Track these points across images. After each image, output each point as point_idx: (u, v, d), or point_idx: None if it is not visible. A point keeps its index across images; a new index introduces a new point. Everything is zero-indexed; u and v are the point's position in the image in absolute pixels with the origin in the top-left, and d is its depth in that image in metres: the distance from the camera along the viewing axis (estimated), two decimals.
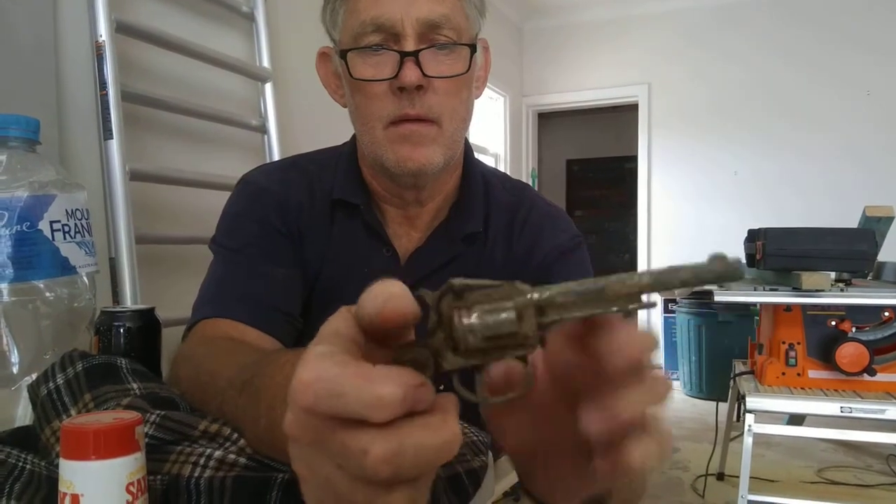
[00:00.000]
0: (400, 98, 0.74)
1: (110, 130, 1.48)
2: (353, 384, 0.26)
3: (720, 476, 2.48)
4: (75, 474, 0.42)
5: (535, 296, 0.30)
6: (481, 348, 0.30)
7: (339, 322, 0.31)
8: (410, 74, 0.72)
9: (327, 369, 0.27)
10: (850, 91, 4.08)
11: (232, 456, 0.50)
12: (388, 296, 0.29)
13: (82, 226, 0.83)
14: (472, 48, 0.77)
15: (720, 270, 0.29)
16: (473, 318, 0.29)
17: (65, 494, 0.42)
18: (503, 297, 0.30)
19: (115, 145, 1.48)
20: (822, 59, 4.13)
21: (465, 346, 0.30)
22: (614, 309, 0.29)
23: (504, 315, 0.29)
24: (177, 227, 1.78)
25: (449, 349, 0.30)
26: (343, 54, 0.76)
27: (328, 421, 0.27)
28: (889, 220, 2.05)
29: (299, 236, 0.84)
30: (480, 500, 0.55)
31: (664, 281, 0.29)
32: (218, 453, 0.50)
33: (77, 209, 0.83)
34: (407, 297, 0.29)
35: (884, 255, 2.05)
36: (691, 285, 0.29)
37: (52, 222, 0.79)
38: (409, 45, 0.73)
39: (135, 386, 0.59)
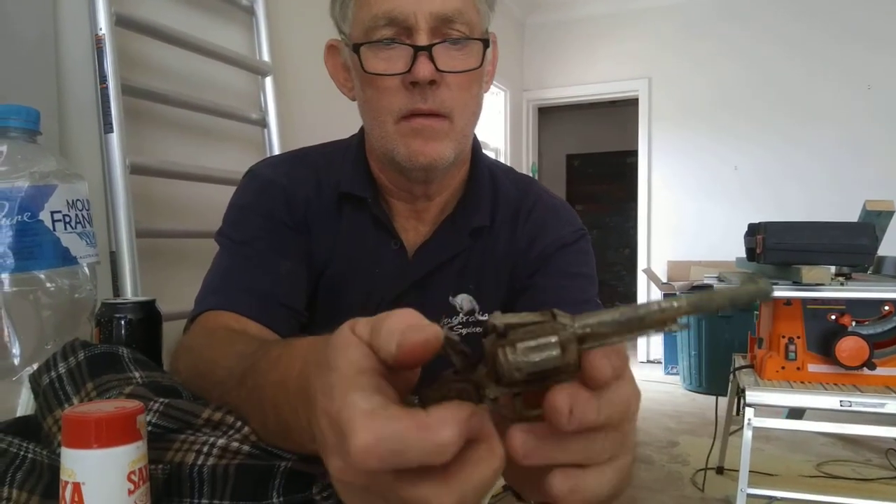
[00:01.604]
0: (412, 92, 0.73)
1: (110, 124, 1.47)
2: (415, 438, 0.26)
3: (720, 470, 2.49)
4: (77, 463, 0.42)
5: (577, 328, 0.30)
6: (525, 381, 0.30)
7: (355, 355, 0.30)
8: (424, 69, 0.72)
9: (385, 427, 0.27)
10: (852, 84, 4.06)
11: (235, 444, 0.50)
12: (405, 328, 0.29)
13: (83, 216, 0.83)
14: (485, 43, 0.77)
15: (753, 291, 0.30)
16: (519, 357, 0.30)
17: (66, 483, 0.42)
18: (547, 332, 0.30)
19: (115, 139, 1.47)
20: (824, 52, 4.12)
21: (509, 380, 0.30)
22: (651, 332, 0.30)
23: (549, 352, 0.30)
24: (177, 220, 1.78)
25: (492, 382, 0.31)
26: (356, 48, 0.75)
27: (387, 474, 0.27)
28: (889, 214, 2.05)
29: (306, 229, 0.84)
30: None
31: (700, 306, 0.30)
32: (221, 441, 0.50)
33: (78, 200, 0.83)
34: (424, 327, 0.29)
35: (884, 250, 2.05)
36: (726, 308, 0.30)
37: (52, 213, 0.79)
38: (422, 40, 0.72)
39: (137, 375, 0.59)
